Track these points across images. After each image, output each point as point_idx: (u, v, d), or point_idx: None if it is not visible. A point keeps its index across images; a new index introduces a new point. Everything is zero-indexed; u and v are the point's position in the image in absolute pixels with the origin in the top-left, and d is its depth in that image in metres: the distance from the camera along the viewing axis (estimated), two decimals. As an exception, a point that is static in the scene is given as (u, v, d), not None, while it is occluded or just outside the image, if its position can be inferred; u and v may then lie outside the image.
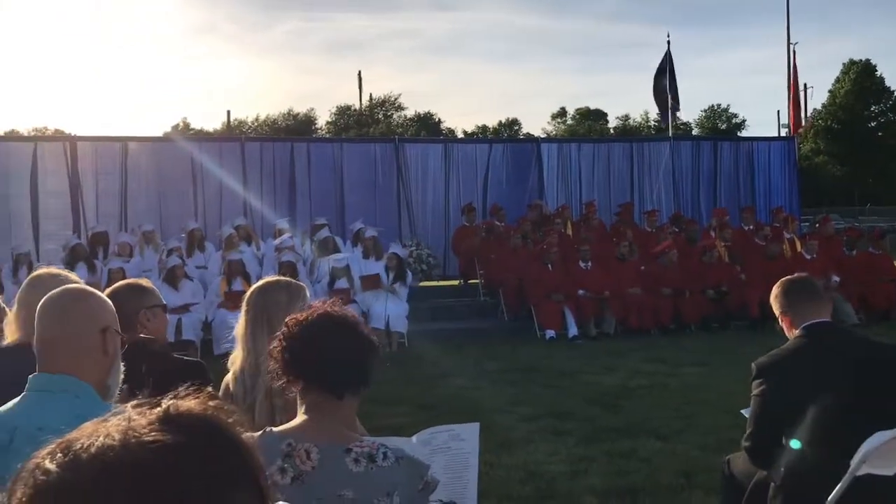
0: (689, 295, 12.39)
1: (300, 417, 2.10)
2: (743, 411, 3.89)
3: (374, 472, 1.98)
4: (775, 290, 3.55)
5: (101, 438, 0.88)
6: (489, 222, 14.10)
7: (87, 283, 8.81)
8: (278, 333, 2.14)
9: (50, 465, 0.86)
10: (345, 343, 2.09)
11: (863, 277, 12.93)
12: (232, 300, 10.65)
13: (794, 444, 3.20)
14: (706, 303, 12.48)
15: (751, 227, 14.31)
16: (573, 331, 11.78)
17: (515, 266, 12.56)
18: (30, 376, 2.19)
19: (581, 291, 12.08)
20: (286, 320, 2.16)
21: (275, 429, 2.09)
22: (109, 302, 2.31)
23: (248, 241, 12.40)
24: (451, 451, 2.69)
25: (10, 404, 2.19)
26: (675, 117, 16.84)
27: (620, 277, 12.34)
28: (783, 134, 23.74)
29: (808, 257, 13.00)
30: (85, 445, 0.88)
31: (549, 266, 12.33)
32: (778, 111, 40.56)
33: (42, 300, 2.26)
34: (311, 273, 11.71)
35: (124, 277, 10.50)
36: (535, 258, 12.55)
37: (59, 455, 0.87)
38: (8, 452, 2.02)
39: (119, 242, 12.11)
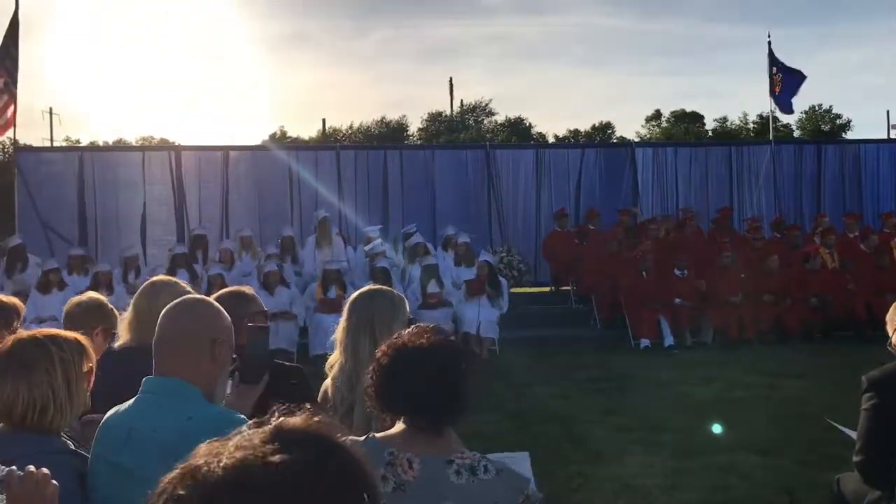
0: (791, 303, 11.96)
1: (401, 426, 2.10)
2: (842, 427, 3.73)
3: (475, 484, 1.98)
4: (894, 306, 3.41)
5: (224, 460, 0.91)
6: (583, 227, 13.97)
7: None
8: (370, 369, 2.13)
9: (181, 491, 0.89)
10: (437, 379, 2.04)
11: None
12: (327, 306, 10.88)
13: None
14: (809, 311, 12.03)
15: (855, 233, 13.65)
16: (669, 340, 11.54)
17: (609, 272, 12.39)
18: (144, 379, 2.31)
19: (678, 300, 11.84)
20: (377, 354, 2.13)
21: (377, 434, 2.10)
22: (226, 315, 2.41)
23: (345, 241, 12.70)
24: None
25: (125, 405, 2.31)
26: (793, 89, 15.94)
27: (719, 286, 12.02)
28: (893, 135, 22.59)
29: None
30: (211, 468, 0.91)
31: (644, 273, 12.12)
32: (887, 111, 38.64)
33: (166, 306, 2.40)
34: (403, 279, 11.83)
35: (224, 283, 10.89)
36: (630, 265, 12.35)
37: (189, 481, 0.90)
38: (125, 446, 2.17)
39: (220, 248, 12.48)
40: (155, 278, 3.52)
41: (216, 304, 2.46)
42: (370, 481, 0.99)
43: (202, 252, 12.53)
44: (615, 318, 12.28)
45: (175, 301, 2.42)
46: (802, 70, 15.37)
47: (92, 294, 3.81)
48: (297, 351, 11.01)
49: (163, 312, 2.37)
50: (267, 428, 0.97)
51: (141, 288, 3.40)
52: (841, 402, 4.70)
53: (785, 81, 15.49)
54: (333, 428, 1.01)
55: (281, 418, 0.99)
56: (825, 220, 13.83)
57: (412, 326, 2.20)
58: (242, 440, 0.95)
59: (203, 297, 2.55)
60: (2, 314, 3.57)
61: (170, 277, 3.54)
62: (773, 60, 15.63)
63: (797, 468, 5.69)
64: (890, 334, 3.41)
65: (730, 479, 5.56)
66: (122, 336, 3.30)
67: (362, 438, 2.09)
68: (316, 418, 1.02)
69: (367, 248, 12.31)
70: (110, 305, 3.82)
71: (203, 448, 0.95)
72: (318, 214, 12.67)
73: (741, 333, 11.63)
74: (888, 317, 3.44)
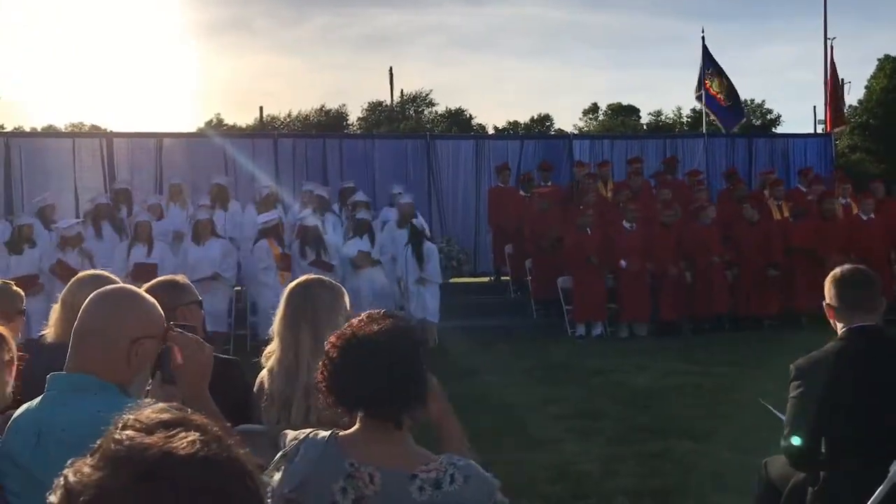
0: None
1: (360, 429, 2.01)
2: (774, 410, 3.81)
3: (439, 499, 1.90)
4: (831, 278, 3.42)
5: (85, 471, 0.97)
6: (527, 175, 13.72)
7: (113, 244, 8.75)
8: (320, 364, 2.04)
9: None
10: (391, 369, 1.96)
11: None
12: (284, 262, 10.58)
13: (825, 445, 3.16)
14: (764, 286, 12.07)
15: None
16: (598, 330, 11.75)
17: (548, 232, 12.14)
18: (48, 376, 2.18)
19: (623, 262, 11.70)
20: (326, 347, 2.04)
21: (340, 434, 2.01)
22: (154, 311, 2.26)
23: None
24: None
25: (30, 404, 2.19)
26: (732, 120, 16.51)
27: (662, 244, 11.84)
28: (819, 130, 23.34)
29: (865, 218, 12.60)
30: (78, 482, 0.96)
31: (588, 230, 11.84)
32: (814, 107, 39.87)
33: (90, 296, 2.27)
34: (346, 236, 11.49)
35: (150, 232, 10.55)
36: (571, 222, 12.02)
37: None
38: (35, 451, 2.05)
39: (149, 204, 11.83)
40: (84, 273, 3.39)
41: (143, 297, 2.29)
42: (243, 464, 1.01)
43: (126, 207, 11.94)
44: (551, 301, 12.31)
45: (96, 292, 2.26)
46: (736, 65, 15.86)
47: None
48: (235, 321, 10.83)
49: (84, 305, 2.23)
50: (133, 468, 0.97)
51: (70, 282, 3.29)
52: (773, 388, 4.82)
53: (721, 112, 16.07)
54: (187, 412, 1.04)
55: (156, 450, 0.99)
56: (772, 175, 13.99)
57: (363, 314, 2.08)
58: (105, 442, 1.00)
59: (129, 288, 2.36)
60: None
61: (100, 272, 3.39)
62: (706, 56, 16.02)
63: (728, 453, 5.85)
64: (825, 303, 3.43)
65: (662, 465, 5.69)
66: (53, 333, 3.18)
67: (324, 438, 2.00)
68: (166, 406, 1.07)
69: (350, 199, 11.97)
70: (14, 288, 3.79)
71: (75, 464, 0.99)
72: (262, 190, 12.27)
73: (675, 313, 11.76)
74: (825, 284, 3.43)
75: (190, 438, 0.99)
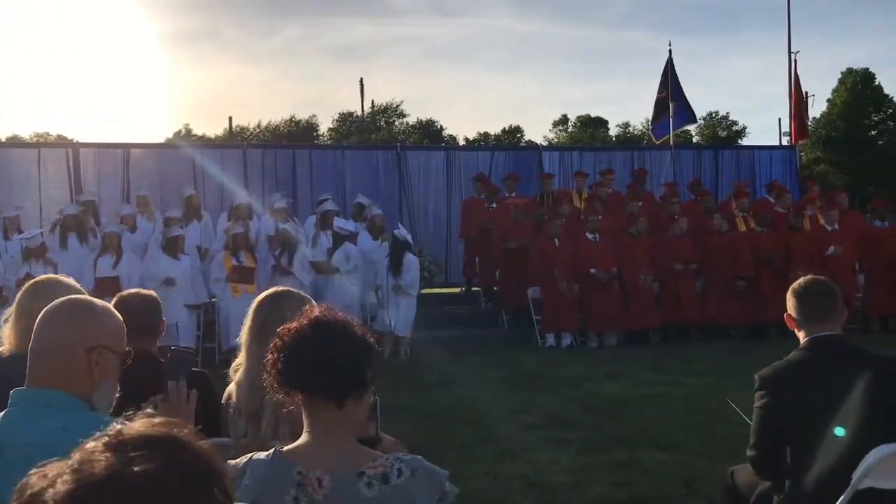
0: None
1: (306, 436, 2.04)
2: (742, 413, 3.85)
3: (388, 493, 1.93)
4: (793, 289, 3.47)
5: (58, 484, 0.92)
6: (494, 187, 13.72)
7: (80, 256, 8.68)
8: (271, 345, 2.08)
9: None
10: (338, 347, 2.01)
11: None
12: (239, 273, 10.56)
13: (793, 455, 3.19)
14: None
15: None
16: (567, 340, 11.76)
17: (518, 239, 12.17)
18: (11, 391, 2.14)
19: (593, 270, 11.73)
20: (278, 330, 2.09)
21: (284, 449, 2.03)
22: (112, 318, 2.22)
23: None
24: None
25: None
26: (681, 125, 16.73)
27: (631, 254, 11.92)
28: (784, 142, 23.78)
29: (830, 229, 12.76)
30: (52, 495, 0.92)
31: (556, 241, 11.90)
32: (779, 119, 40.56)
33: (42, 311, 2.22)
34: (314, 246, 11.45)
35: (119, 242, 10.43)
36: (541, 231, 12.09)
37: None
38: None
39: (122, 214, 11.73)
40: (40, 277, 3.27)
41: (97, 305, 2.24)
42: (219, 475, 0.99)
43: (94, 218, 11.77)
44: (521, 311, 12.31)
45: (52, 304, 2.21)
46: (703, 77, 16.12)
47: None
48: (203, 330, 10.81)
49: (39, 317, 2.19)
50: (105, 440, 0.95)
51: (24, 287, 3.15)
52: (743, 398, 4.85)
53: (679, 112, 16.27)
54: (174, 426, 1.01)
55: (118, 427, 0.98)
56: (743, 186, 14.10)
57: (317, 307, 2.17)
58: (83, 455, 0.95)
59: (82, 298, 2.32)
60: None
61: (56, 277, 3.27)
62: (669, 69, 16.26)
63: (699, 462, 5.88)
64: (787, 314, 3.48)
65: (633, 475, 5.71)
66: (8, 343, 3.04)
67: (268, 455, 2.02)
68: (155, 420, 1.03)
69: (319, 209, 11.91)
70: None
71: (40, 471, 0.96)
72: (237, 202, 12.12)
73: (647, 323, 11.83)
74: (787, 296, 3.48)
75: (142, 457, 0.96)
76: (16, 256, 10.47)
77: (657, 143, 17.25)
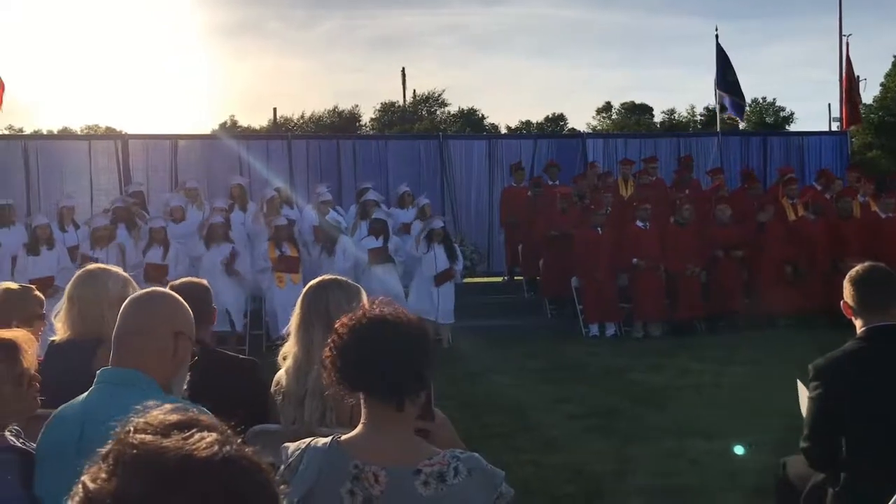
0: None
1: (363, 427, 2.02)
2: (802, 395, 3.72)
3: (444, 492, 1.92)
4: (850, 276, 3.37)
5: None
6: (537, 178, 13.68)
7: (127, 245, 8.87)
8: (329, 341, 2.06)
9: None
10: (398, 349, 1.97)
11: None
12: (284, 264, 10.70)
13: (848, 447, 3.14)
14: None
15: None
16: (611, 330, 11.67)
17: (561, 230, 12.03)
18: (98, 370, 2.25)
19: (635, 260, 11.55)
20: (336, 326, 2.06)
21: (342, 438, 2.02)
22: (188, 309, 2.36)
23: (290, 206, 12.28)
24: None
25: (79, 398, 2.24)
26: (738, 111, 16.35)
27: (676, 243, 11.68)
28: (834, 128, 23.21)
29: (884, 216, 12.38)
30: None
31: (599, 230, 11.71)
32: (829, 104, 39.66)
33: (128, 298, 2.35)
34: (353, 234, 11.49)
35: (166, 237, 10.64)
36: (585, 221, 11.91)
37: None
38: (77, 445, 2.07)
39: (172, 207, 11.85)
40: (89, 266, 3.34)
41: (177, 297, 2.40)
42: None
43: (141, 208, 11.95)
44: (565, 301, 12.25)
45: (138, 293, 2.39)
46: (750, 63, 15.79)
47: (10, 284, 3.53)
48: (251, 318, 10.87)
49: (125, 304, 2.32)
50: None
51: (74, 277, 3.24)
52: (790, 388, 4.78)
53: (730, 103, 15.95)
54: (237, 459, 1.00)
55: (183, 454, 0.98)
56: (789, 173, 13.69)
57: (375, 300, 2.13)
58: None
59: (163, 290, 2.50)
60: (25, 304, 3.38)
61: (103, 266, 3.36)
62: (720, 54, 15.92)
63: (746, 452, 5.81)
64: (843, 301, 3.39)
65: (678, 465, 5.66)
66: (61, 330, 3.12)
67: (326, 444, 2.01)
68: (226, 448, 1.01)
69: (362, 199, 11.95)
70: (35, 292, 3.58)
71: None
72: (267, 193, 12.20)
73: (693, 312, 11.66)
74: (844, 283, 3.38)
75: (208, 440, 0.97)
76: (65, 248, 10.66)
77: (742, 124, 16.76)
